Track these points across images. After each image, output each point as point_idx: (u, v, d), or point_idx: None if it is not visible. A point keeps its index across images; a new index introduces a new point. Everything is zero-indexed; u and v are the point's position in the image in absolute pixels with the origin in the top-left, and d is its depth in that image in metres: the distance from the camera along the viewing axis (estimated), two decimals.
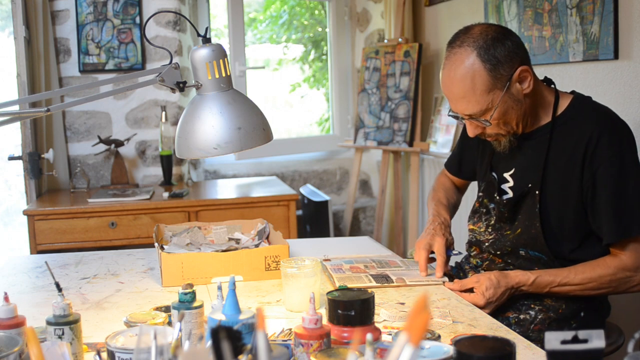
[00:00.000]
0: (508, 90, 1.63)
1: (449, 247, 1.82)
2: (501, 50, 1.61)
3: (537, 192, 1.69)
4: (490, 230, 1.81)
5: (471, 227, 1.88)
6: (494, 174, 1.82)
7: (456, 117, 1.71)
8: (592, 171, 1.63)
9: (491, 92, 1.62)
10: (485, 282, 1.63)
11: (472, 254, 1.89)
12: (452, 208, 2.04)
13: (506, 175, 1.79)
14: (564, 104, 1.72)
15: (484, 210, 1.83)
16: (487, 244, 1.81)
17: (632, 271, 1.61)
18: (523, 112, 1.67)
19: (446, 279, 1.74)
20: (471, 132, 1.72)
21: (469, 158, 2.01)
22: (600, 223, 1.64)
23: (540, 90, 1.71)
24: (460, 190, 2.15)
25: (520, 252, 1.73)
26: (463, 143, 2.02)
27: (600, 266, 1.63)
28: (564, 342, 0.90)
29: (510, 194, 1.77)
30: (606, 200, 1.62)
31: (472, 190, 2.21)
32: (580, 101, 1.72)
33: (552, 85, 1.77)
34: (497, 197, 1.77)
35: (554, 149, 1.69)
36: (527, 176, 1.73)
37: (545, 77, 1.78)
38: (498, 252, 1.78)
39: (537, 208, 1.68)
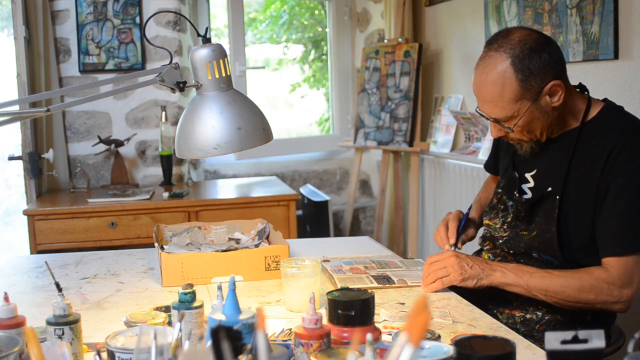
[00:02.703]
0: (536, 102, 1.62)
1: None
2: (536, 61, 1.59)
3: (557, 197, 1.66)
4: (505, 227, 1.80)
5: (487, 222, 1.87)
6: (515, 172, 1.82)
7: (482, 116, 1.71)
8: (608, 181, 1.60)
9: (519, 101, 1.61)
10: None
11: (485, 247, 1.88)
12: None
13: (527, 175, 1.78)
14: (593, 112, 1.70)
15: (502, 207, 1.82)
16: (501, 241, 1.80)
17: (617, 287, 1.57)
18: (549, 123, 1.66)
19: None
20: (494, 134, 1.72)
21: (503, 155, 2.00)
22: (601, 234, 1.61)
23: (571, 100, 1.69)
24: None
25: (533, 254, 1.72)
26: (497, 141, 2.01)
27: (584, 271, 1.61)
28: (564, 342, 0.90)
29: (529, 194, 1.76)
30: (612, 212, 1.59)
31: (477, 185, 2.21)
32: (610, 110, 1.70)
33: (586, 92, 1.75)
34: (517, 195, 1.77)
35: (577, 156, 1.67)
36: (547, 179, 1.72)
37: (580, 84, 1.76)
38: (511, 251, 1.77)
39: (555, 213, 1.66)
